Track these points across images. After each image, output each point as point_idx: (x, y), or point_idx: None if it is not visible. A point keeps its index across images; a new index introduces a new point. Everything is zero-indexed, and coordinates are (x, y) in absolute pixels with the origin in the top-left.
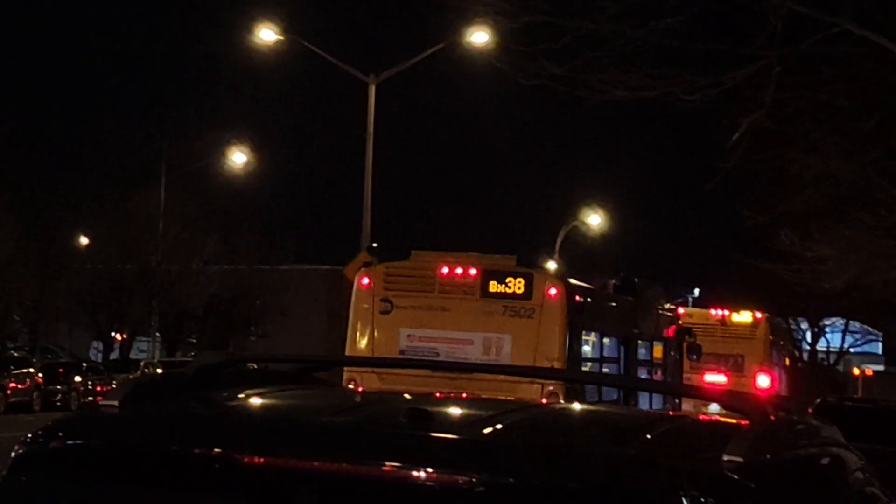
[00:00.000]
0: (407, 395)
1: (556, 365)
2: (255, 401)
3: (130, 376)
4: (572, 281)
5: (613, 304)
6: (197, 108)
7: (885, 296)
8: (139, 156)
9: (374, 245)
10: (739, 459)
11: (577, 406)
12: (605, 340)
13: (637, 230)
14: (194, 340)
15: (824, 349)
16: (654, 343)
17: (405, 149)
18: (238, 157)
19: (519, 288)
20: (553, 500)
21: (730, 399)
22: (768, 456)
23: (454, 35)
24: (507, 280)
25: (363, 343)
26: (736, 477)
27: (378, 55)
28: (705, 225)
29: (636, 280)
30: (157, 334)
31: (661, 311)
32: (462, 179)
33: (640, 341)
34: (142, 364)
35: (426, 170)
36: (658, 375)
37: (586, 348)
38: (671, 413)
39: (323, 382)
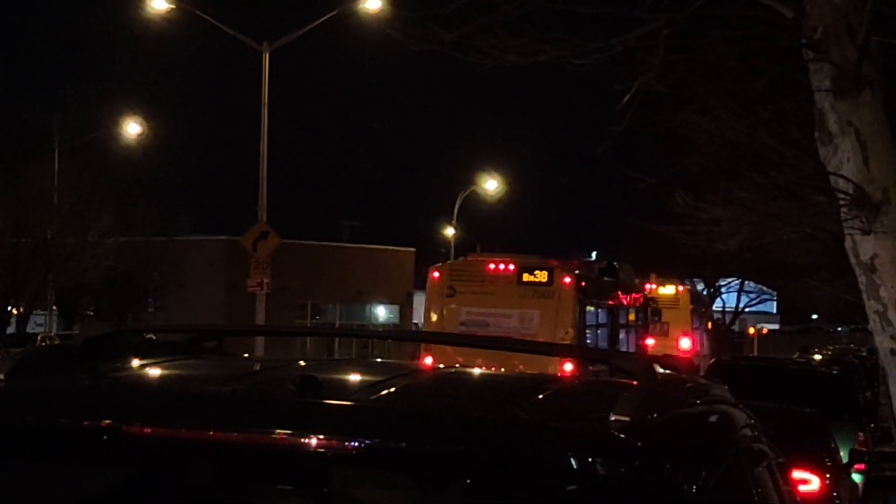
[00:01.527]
0: (301, 363)
1: (570, 330)
2: (145, 372)
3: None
4: (579, 272)
5: (603, 284)
6: (90, 79)
7: (778, 256)
8: (31, 128)
9: (444, 251)
10: (626, 419)
11: (471, 370)
12: (600, 311)
13: (534, 194)
14: (91, 313)
15: (720, 309)
16: (629, 310)
17: (302, 117)
18: (132, 128)
19: (543, 278)
20: (443, 464)
21: (617, 360)
22: (656, 415)
23: (348, 2)
24: (535, 272)
25: (435, 318)
26: (623, 436)
27: (272, 23)
28: (601, 188)
29: (615, 264)
30: (54, 308)
31: (632, 286)
32: (359, 147)
33: (620, 310)
34: (39, 338)
35: (323, 138)
36: (632, 334)
37: (588, 318)
38: (562, 375)
39: (218, 352)
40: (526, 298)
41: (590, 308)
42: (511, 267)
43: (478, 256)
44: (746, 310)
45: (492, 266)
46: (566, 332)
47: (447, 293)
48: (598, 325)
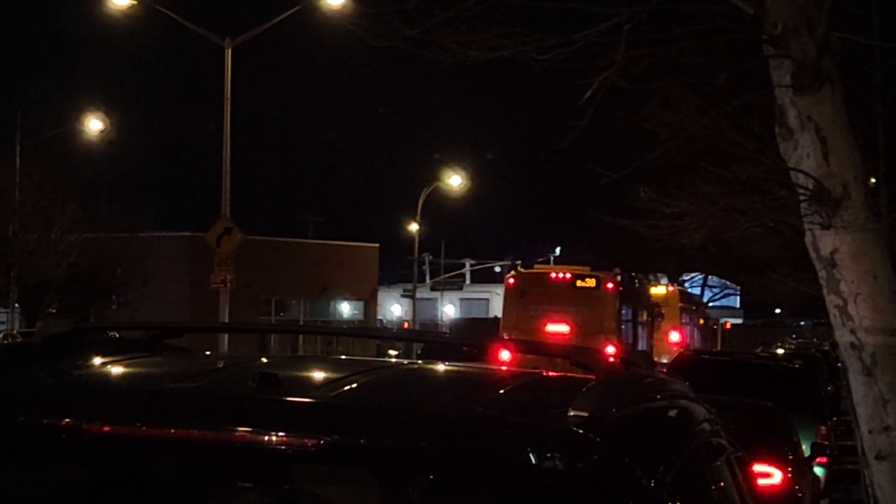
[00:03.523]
0: (264, 359)
1: (612, 322)
2: (104, 369)
3: None
4: (617, 280)
5: (630, 290)
6: (53, 74)
7: (741, 250)
8: None
9: (518, 262)
10: (585, 414)
11: (431, 366)
12: (629, 310)
13: (498, 190)
14: (54, 311)
15: None
16: (644, 310)
17: (265, 113)
18: (94, 124)
19: (592, 283)
20: (403, 460)
21: (576, 355)
22: (614, 410)
23: None
24: (586, 279)
25: (510, 313)
26: (582, 432)
27: (235, 18)
28: (565, 183)
29: (633, 275)
30: (17, 305)
31: (645, 292)
32: (323, 143)
33: (639, 309)
34: (1, 335)
35: (287, 134)
36: (646, 328)
37: (622, 315)
38: (523, 371)
39: (180, 349)
40: (579, 298)
41: (623, 308)
42: (567, 276)
43: (542, 268)
44: (710, 304)
45: (553, 275)
46: (608, 324)
47: (520, 294)
48: (627, 321)
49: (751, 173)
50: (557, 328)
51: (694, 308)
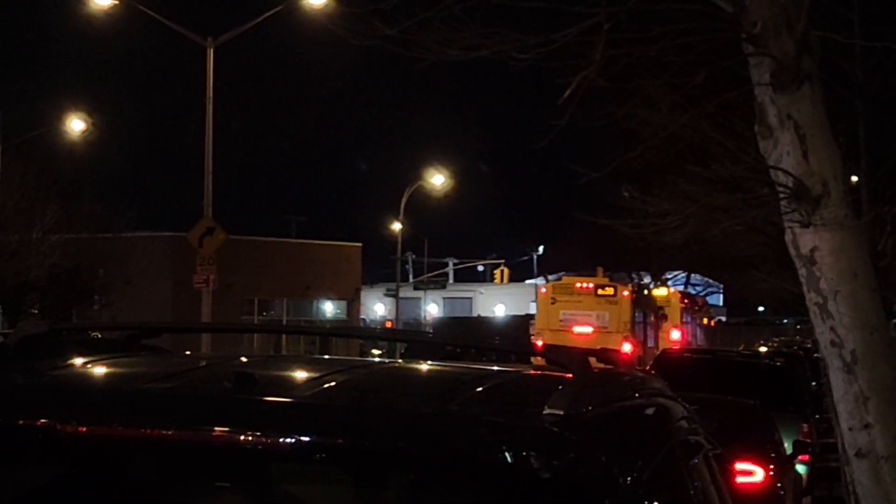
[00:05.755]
0: (240, 360)
1: (628, 324)
2: (80, 370)
3: None
4: (631, 288)
5: (641, 296)
6: (34, 75)
7: (724, 248)
8: None
9: (546, 276)
10: (560, 413)
11: (408, 364)
12: (640, 313)
13: (481, 189)
14: (36, 311)
15: None
16: (651, 313)
17: (247, 112)
18: (76, 125)
19: (611, 291)
20: (379, 459)
21: (552, 354)
22: (590, 408)
23: None
24: (606, 288)
25: (543, 317)
26: (556, 430)
27: (217, 18)
28: (547, 183)
29: (641, 283)
30: None
31: (652, 298)
32: (306, 142)
33: (647, 312)
34: None
35: (269, 133)
36: (654, 329)
37: (636, 317)
38: (500, 368)
39: (157, 349)
40: (600, 304)
41: (636, 312)
42: (591, 285)
43: (569, 279)
44: None
45: (579, 284)
46: (625, 325)
47: (551, 301)
48: (639, 322)
49: (732, 172)
50: (582, 329)
51: (696, 308)
